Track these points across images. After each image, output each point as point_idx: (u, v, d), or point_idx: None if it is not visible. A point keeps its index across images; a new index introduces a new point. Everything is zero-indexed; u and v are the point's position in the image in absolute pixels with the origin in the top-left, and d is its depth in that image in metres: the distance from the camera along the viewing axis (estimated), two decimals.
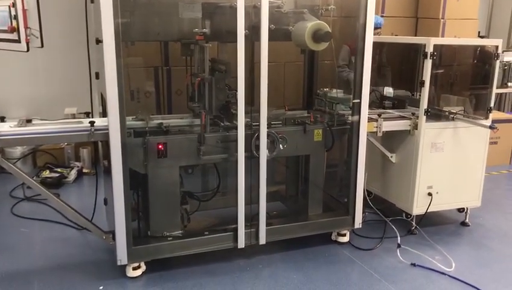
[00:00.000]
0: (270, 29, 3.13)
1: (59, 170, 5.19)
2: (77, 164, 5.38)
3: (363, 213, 3.78)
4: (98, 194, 3.61)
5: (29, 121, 3.03)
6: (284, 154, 3.51)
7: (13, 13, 2.86)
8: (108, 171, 3.13)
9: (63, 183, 5.03)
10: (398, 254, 3.58)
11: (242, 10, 3.02)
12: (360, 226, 3.74)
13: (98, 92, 3.61)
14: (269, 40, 3.13)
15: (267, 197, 3.39)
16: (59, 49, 5.43)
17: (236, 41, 3.06)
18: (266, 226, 3.42)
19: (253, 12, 3.14)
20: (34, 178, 4.99)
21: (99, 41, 2.90)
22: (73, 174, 5.16)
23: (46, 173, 5.11)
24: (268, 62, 3.15)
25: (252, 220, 3.40)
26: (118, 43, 2.80)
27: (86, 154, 5.44)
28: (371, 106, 3.81)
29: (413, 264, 3.47)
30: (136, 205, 3.36)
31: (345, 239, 3.74)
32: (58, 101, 5.61)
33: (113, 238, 3.16)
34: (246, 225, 3.37)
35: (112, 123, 2.92)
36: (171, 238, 3.27)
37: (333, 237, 3.76)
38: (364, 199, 3.80)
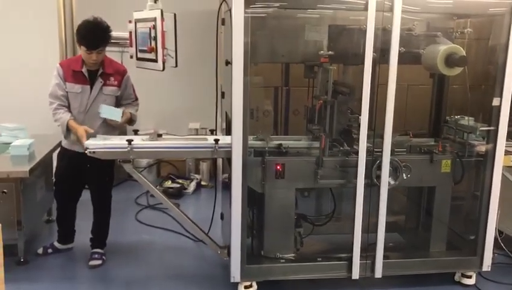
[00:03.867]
0: (399, 52, 3.00)
1: (180, 181, 5.46)
2: (196, 176, 5.62)
3: (492, 254, 3.43)
4: (216, 207, 3.71)
5: (159, 135, 3.21)
6: (407, 184, 3.31)
7: (153, 34, 3.08)
8: (227, 186, 3.21)
9: (183, 194, 5.29)
10: None
11: (371, 32, 2.93)
12: (489, 269, 3.39)
13: (222, 110, 3.74)
14: (398, 63, 3.00)
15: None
16: (188, 67, 5.71)
17: (361, 64, 2.98)
18: (383, 258, 3.24)
19: (381, 35, 3.03)
20: (157, 187, 5.33)
21: (228, 62, 3.00)
22: (192, 186, 5.40)
23: (168, 183, 5.40)
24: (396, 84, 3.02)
25: (367, 250, 3.25)
26: (246, 65, 2.87)
27: (205, 168, 5.67)
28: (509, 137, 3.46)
29: None
30: (252, 222, 3.40)
31: (471, 281, 3.41)
32: (184, 116, 5.94)
33: (228, 254, 3.21)
34: (361, 255, 3.23)
35: (235, 142, 2.98)
36: (283, 260, 3.24)
37: (457, 278, 3.44)
38: (495, 238, 3.45)
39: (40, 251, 3.74)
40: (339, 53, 3.20)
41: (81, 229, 3.80)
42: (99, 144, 3.08)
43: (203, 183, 5.57)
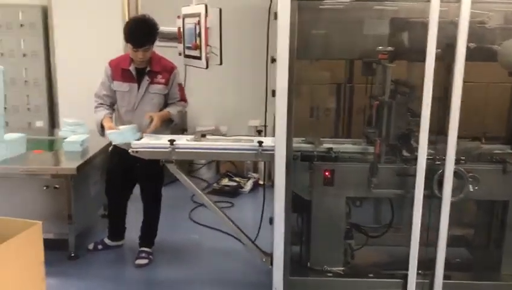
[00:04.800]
0: (468, 48, 2.63)
1: (237, 179, 5.35)
2: (254, 175, 5.48)
3: None
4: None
5: (203, 135, 3.09)
6: (474, 197, 2.93)
7: (197, 31, 2.95)
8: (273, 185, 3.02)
9: (239, 193, 5.17)
10: None
11: (435, 26, 2.59)
12: None
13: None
14: (467, 60, 2.63)
15: (448, 242, 2.86)
16: (248, 63, 5.61)
17: (423, 61, 2.65)
18: (444, 279, 2.90)
19: (449, 28, 2.68)
20: (214, 185, 5.27)
21: (273, 60, 2.80)
22: (249, 185, 5.27)
23: (225, 181, 5.31)
24: (465, 82, 2.65)
25: (426, 267, 2.92)
26: (292, 62, 2.66)
27: (263, 167, 5.50)
28: None
29: None
30: (299, 230, 3.19)
31: None
32: (244, 113, 5.81)
33: (271, 263, 3.03)
34: (418, 273, 2.90)
35: (278, 145, 2.78)
36: (331, 274, 3.00)
37: None
38: None
39: (91, 246, 3.77)
40: (400, 49, 2.89)
41: (133, 226, 3.78)
42: (142, 144, 3.01)
43: (260, 182, 5.41)
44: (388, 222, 3.32)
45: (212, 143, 3.02)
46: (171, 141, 2.93)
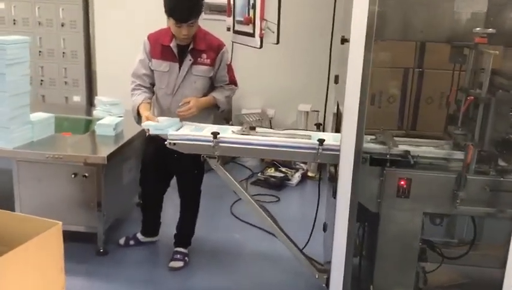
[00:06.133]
0: None
1: (284, 170, 4.85)
2: (303, 166, 4.96)
3: None
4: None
5: (252, 128, 2.60)
6: None
7: (251, 1, 2.43)
8: (333, 193, 2.52)
9: (285, 185, 4.68)
10: None
11: None
12: None
13: (335, 99, 3.03)
14: None
15: None
16: (301, 42, 5.07)
17: None
18: None
19: None
20: (259, 174, 4.80)
21: (344, 40, 2.26)
22: (297, 177, 4.77)
23: (271, 171, 4.83)
24: None
25: None
26: (369, 44, 2.12)
27: None
28: None
29: None
30: (360, 245, 2.69)
31: None
32: (294, 96, 5.30)
33: (327, 284, 2.56)
34: None
35: (345, 145, 2.27)
36: None
37: None
38: None
39: (122, 241, 3.40)
40: (504, 31, 2.29)
41: (171, 220, 3.36)
42: (181, 135, 2.56)
43: (309, 174, 4.90)
44: (469, 240, 2.78)
45: (263, 138, 2.53)
46: (215, 134, 2.46)
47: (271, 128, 5.49)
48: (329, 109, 3.07)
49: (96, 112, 3.87)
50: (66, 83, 5.25)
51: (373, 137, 2.59)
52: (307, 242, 3.09)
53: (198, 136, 2.53)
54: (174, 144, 2.54)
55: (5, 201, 3.17)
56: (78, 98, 5.28)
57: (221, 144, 2.49)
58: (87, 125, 3.49)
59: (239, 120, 5.24)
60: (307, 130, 2.98)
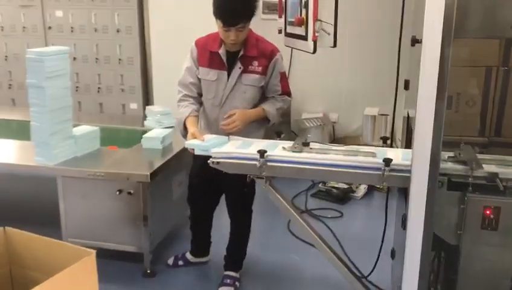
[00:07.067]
0: None
1: None
2: None
3: None
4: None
5: (306, 144, 2.26)
6: None
7: (304, 0, 2.10)
8: (403, 222, 2.13)
9: (349, 197, 4.28)
10: None
11: None
12: None
13: (405, 104, 2.63)
14: None
15: None
16: (367, 40, 4.67)
17: None
18: None
19: None
20: (320, 185, 4.43)
21: (415, 41, 1.87)
22: (362, 188, 4.35)
23: (334, 182, 4.44)
24: None
25: None
26: (448, 46, 1.72)
27: None
28: None
29: None
30: (434, 273, 2.28)
31: None
32: (359, 99, 4.91)
33: None
34: None
35: (418, 165, 1.89)
36: None
37: None
38: None
39: (171, 261, 3.19)
40: None
41: (224, 239, 3.09)
42: (224, 153, 2.28)
43: (377, 186, 4.46)
44: None
45: (318, 156, 2.18)
46: (261, 153, 2.15)
47: (334, 133, 5.16)
48: (398, 116, 2.67)
49: (147, 122, 3.70)
50: (122, 90, 5.17)
51: (451, 155, 2.17)
52: (372, 269, 2.71)
53: (243, 154, 2.24)
54: (218, 162, 2.26)
55: (51, 217, 3.08)
56: (135, 106, 5.18)
57: (269, 163, 2.18)
58: (136, 138, 3.30)
59: (299, 126, 4.91)
60: (373, 145, 2.59)
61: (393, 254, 2.69)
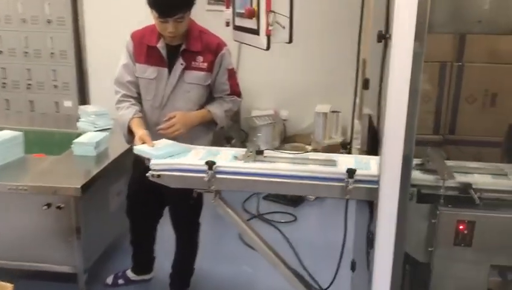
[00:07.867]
0: None
1: None
2: None
3: None
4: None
5: (259, 152, 2.00)
6: None
7: None
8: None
9: (302, 199, 4.08)
10: None
11: None
12: None
13: (361, 103, 2.43)
14: None
15: None
16: (319, 33, 4.47)
17: None
18: None
19: None
20: None
21: (382, 37, 1.65)
22: None
23: None
24: None
25: None
26: (421, 42, 1.51)
27: None
28: None
29: None
30: None
31: None
32: (311, 95, 4.71)
33: None
34: None
35: (387, 177, 1.67)
36: None
37: None
38: None
39: (110, 280, 2.86)
40: None
41: (169, 252, 2.79)
42: (165, 164, 1.97)
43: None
44: None
45: (273, 167, 1.93)
46: (210, 164, 1.87)
47: (285, 131, 4.94)
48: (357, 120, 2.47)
49: (81, 124, 3.32)
50: (55, 86, 4.72)
51: (419, 162, 1.97)
52: (331, 282, 2.50)
53: (189, 166, 1.94)
54: (158, 175, 1.96)
55: None
56: (69, 103, 4.75)
57: (218, 176, 1.91)
58: (68, 142, 2.91)
59: (249, 124, 4.66)
60: (330, 153, 2.36)
61: (353, 267, 2.49)
